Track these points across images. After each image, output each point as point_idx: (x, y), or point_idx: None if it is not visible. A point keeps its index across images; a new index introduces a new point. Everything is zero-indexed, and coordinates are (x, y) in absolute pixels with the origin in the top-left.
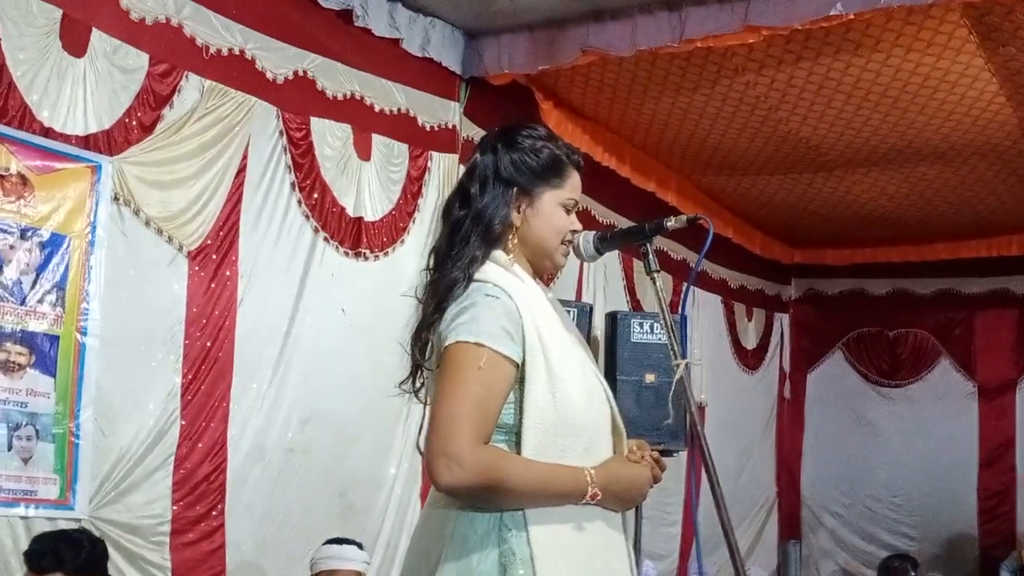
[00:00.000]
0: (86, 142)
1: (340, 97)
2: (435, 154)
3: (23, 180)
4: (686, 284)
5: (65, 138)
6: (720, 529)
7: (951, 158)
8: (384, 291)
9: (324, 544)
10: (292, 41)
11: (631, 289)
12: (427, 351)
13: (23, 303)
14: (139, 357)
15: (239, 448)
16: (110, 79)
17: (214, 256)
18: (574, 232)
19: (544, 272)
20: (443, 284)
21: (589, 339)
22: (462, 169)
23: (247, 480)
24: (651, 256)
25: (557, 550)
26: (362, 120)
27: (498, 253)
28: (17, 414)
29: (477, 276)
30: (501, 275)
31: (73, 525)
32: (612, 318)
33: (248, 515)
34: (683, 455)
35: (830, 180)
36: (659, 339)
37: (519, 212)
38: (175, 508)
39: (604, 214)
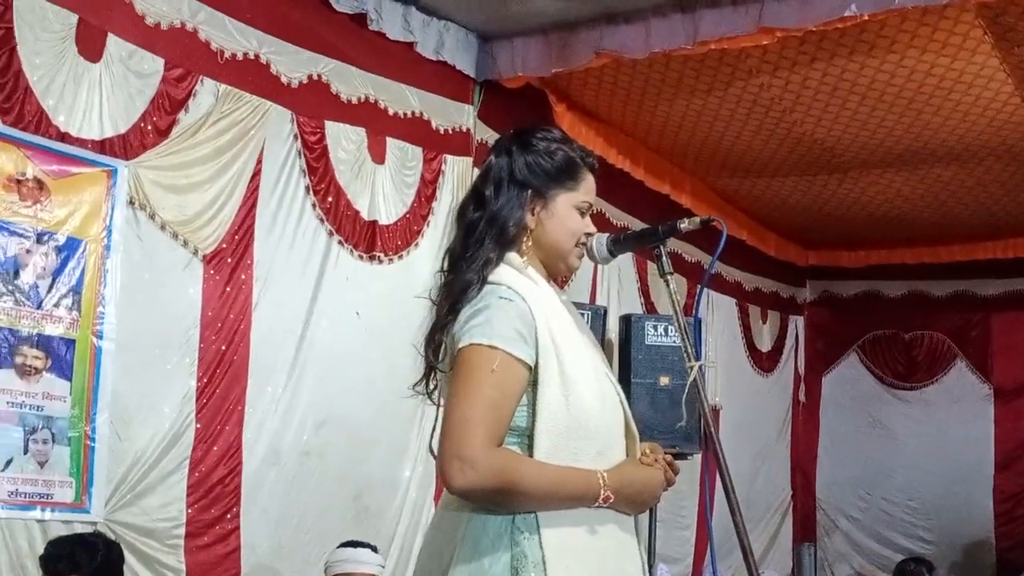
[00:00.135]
0: (102, 146)
1: (354, 101)
2: (449, 157)
3: (39, 184)
4: (700, 286)
5: (81, 143)
6: (734, 532)
7: (966, 159)
8: (399, 294)
9: (339, 547)
10: (306, 45)
11: (645, 291)
12: (440, 353)
13: (39, 307)
14: (155, 361)
15: (254, 451)
16: (126, 84)
17: (229, 260)
18: (588, 235)
19: (558, 274)
20: (457, 286)
21: (603, 342)
22: (476, 172)
23: (262, 483)
24: (665, 258)
25: (569, 553)
26: (376, 123)
27: (512, 255)
28: (33, 418)
29: (491, 278)
30: (515, 277)
31: (88, 528)
32: (626, 321)
33: (263, 518)
34: (697, 458)
35: (845, 182)
36: (673, 342)
37: (533, 214)
38: (190, 511)
39: (618, 216)
